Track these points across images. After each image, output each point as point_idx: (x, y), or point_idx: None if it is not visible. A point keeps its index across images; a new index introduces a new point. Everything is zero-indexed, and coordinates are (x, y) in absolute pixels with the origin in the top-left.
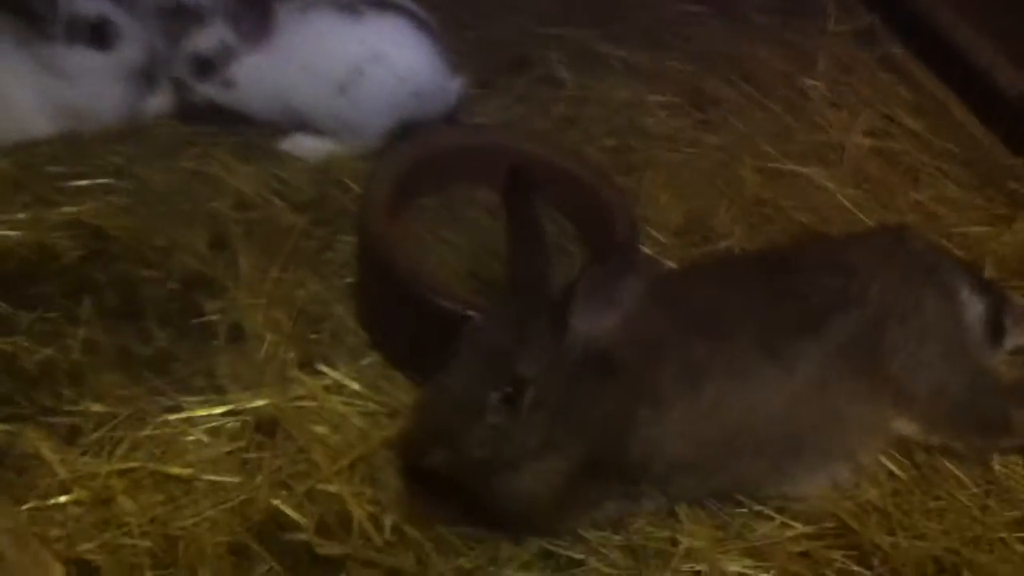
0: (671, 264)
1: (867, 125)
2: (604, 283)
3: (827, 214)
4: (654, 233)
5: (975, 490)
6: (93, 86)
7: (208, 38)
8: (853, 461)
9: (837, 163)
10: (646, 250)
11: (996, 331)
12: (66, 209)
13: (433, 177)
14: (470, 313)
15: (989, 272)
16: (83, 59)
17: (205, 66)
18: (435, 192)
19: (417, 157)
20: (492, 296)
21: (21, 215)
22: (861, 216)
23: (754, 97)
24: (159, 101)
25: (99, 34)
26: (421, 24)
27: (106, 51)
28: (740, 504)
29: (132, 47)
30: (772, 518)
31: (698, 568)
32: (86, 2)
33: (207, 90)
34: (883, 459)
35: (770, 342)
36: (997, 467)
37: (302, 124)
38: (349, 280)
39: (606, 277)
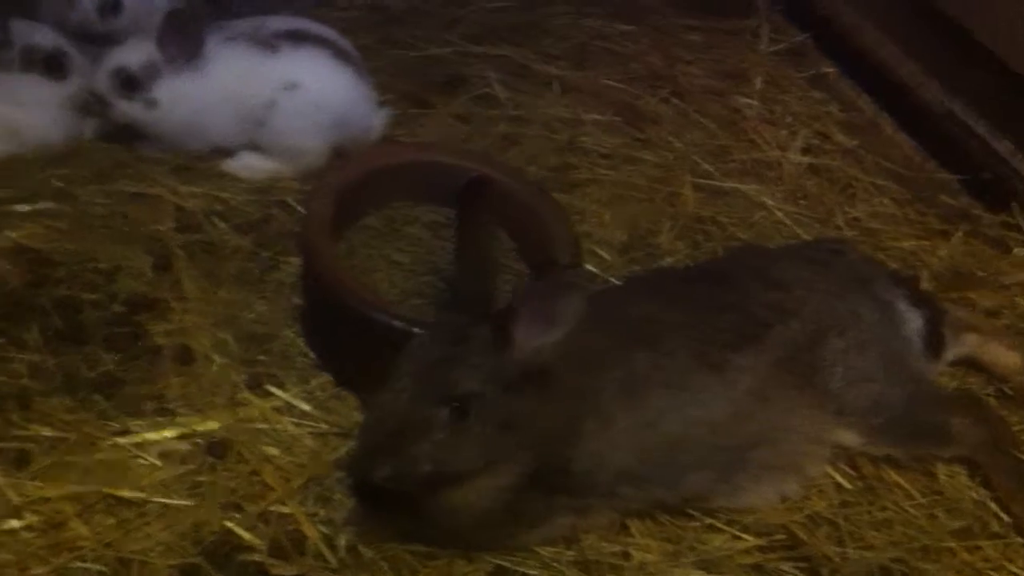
0: (615, 281)
1: (803, 142)
2: (547, 298)
3: (766, 231)
4: (598, 251)
5: (921, 500)
6: (44, 113)
7: (136, 53)
8: (799, 473)
9: (774, 180)
10: (590, 267)
11: (935, 343)
12: (8, 234)
13: (375, 195)
14: (415, 330)
15: (925, 285)
16: (36, 87)
17: (129, 83)
18: (377, 210)
19: (358, 176)
20: (436, 312)
21: None
22: (800, 232)
23: (689, 115)
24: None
25: (54, 65)
26: (341, 54)
27: (59, 81)
28: (692, 517)
29: (79, 76)
30: (723, 531)
31: None
32: (43, 35)
33: (128, 108)
34: (830, 470)
35: (710, 355)
36: (942, 477)
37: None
38: (296, 301)
39: (549, 292)
